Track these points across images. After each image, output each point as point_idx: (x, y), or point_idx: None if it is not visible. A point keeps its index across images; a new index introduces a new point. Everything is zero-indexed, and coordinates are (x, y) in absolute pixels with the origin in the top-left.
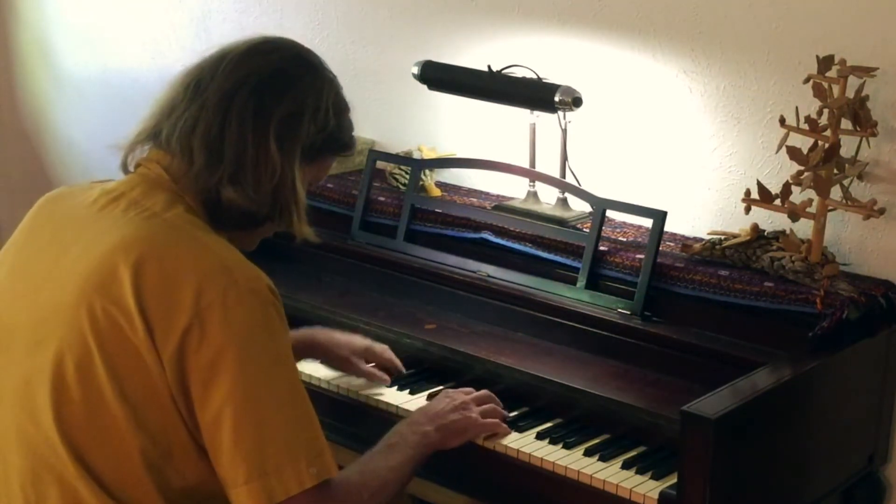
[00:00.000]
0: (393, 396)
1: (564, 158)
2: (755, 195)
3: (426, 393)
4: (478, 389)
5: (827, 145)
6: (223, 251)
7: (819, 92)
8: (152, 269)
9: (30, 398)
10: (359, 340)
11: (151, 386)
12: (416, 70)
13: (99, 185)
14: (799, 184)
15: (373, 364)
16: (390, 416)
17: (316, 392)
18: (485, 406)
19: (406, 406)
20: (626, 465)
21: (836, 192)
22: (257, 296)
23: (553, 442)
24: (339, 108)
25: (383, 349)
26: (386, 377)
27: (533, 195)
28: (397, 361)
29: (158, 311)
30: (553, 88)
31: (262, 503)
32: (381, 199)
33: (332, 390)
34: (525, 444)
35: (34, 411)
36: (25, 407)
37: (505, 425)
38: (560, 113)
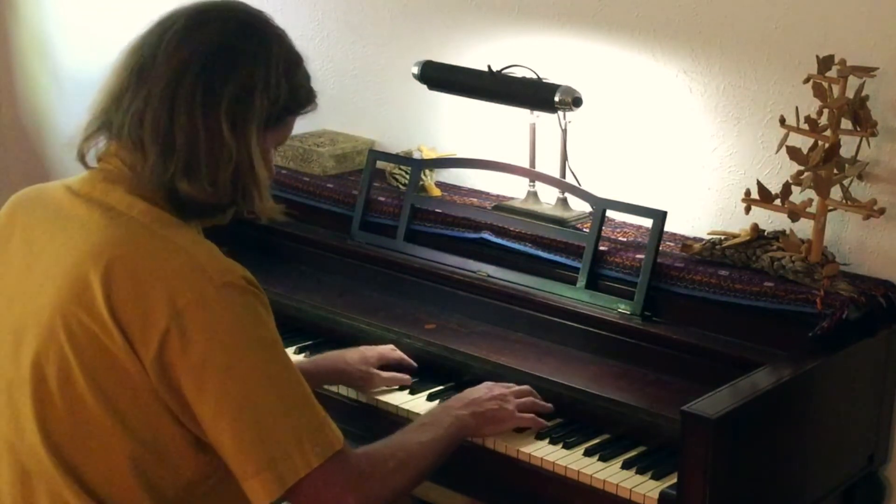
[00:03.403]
0: (393, 397)
1: (564, 158)
2: (755, 195)
3: (426, 393)
4: None
5: (827, 145)
6: (193, 247)
7: (819, 92)
8: (122, 275)
9: (13, 407)
10: (368, 351)
11: (135, 392)
12: (416, 70)
13: (63, 185)
14: (799, 184)
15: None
16: (390, 417)
17: (316, 395)
18: (523, 399)
19: (406, 406)
20: (626, 465)
21: (836, 192)
22: (234, 288)
23: (553, 442)
24: (291, 70)
25: (391, 350)
26: (407, 377)
27: (533, 195)
28: (408, 359)
29: (133, 317)
30: (553, 88)
31: (274, 491)
32: (381, 199)
33: (331, 392)
34: (525, 443)
35: (18, 421)
36: (10, 417)
37: (542, 420)
38: (560, 113)
